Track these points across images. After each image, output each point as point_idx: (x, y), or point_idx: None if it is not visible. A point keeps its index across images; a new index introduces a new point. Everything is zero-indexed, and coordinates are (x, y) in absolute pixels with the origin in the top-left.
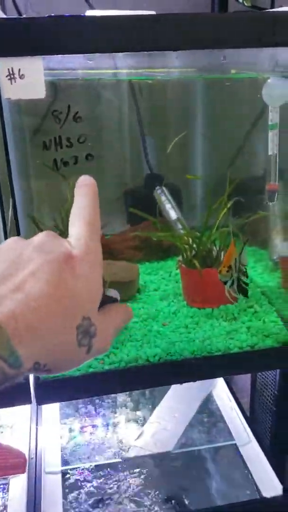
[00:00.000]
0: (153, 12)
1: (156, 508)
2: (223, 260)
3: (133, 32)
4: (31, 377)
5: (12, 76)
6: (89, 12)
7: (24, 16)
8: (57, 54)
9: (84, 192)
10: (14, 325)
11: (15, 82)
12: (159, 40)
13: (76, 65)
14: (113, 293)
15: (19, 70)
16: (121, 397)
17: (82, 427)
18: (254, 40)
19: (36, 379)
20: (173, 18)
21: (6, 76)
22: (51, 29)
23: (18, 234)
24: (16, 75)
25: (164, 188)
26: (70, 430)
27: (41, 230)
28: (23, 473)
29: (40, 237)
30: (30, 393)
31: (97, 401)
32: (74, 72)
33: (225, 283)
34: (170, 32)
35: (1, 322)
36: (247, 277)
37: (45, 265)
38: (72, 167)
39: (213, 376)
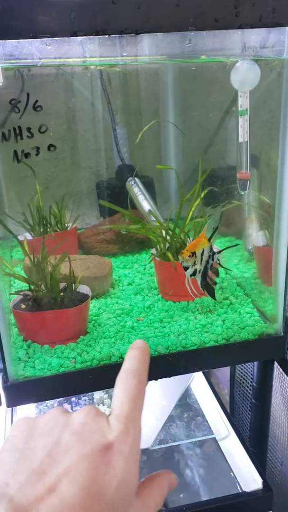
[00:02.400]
0: None
1: None
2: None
3: (92, 14)
4: None
5: None
6: None
7: None
8: (12, 39)
9: (135, 355)
10: None
11: None
12: (119, 23)
13: (35, 51)
14: (84, 289)
15: None
16: (98, 394)
17: None
18: (215, 22)
19: (5, 380)
20: None
21: None
22: (6, 12)
23: None
24: None
25: (136, 179)
26: None
27: (7, 229)
28: None
29: (80, 417)
30: None
31: (73, 399)
32: (32, 59)
33: (186, 269)
34: (129, 13)
35: None
36: (217, 275)
37: (80, 462)
38: (43, 157)
39: (189, 371)
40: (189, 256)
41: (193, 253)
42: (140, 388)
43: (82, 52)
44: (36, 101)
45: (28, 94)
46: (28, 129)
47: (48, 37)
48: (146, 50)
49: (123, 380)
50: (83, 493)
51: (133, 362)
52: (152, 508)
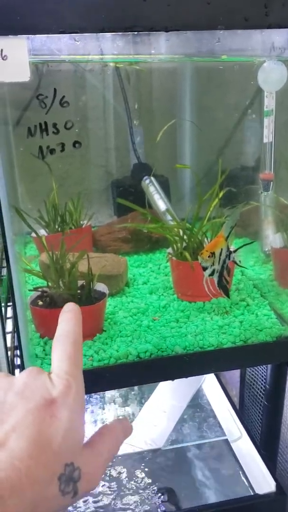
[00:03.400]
0: None
1: (146, 506)
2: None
3: (122, 11)
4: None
5: None
6: None
7: None
8: (41, 34)
9: (67, 318)
10: None
11: None
12: (149, 21)
13: (62, 47)
14: (101, 287)
15: (2, 50)
16: (110, 393)
17: None
18: (245, 21)
19: None
20: None
21: None
22: (36, 7)
23: (2, 225)
24: None
25: (152, 178)
26: None
27: (28, 224)
28: None
29: (23, 378)
30: None
31: (85, 397)
32: (59, 56)
33: (205, 269)
34: (160, 11)
35: None
36: (229, 275)
37: (26, 417)
38: (58, 154)
39: (206, 372)
40: (209, 256)
41: (213, 253)
42: (76, 346)
43: (99, 49)
44: (63, 96)
45: (55, 90)
46: (54, 125)
47: (77, 33)
48: (166, 48)
49: (59, 342)
50: (30, 445)
51: (66, 324)
52: (104, 454)
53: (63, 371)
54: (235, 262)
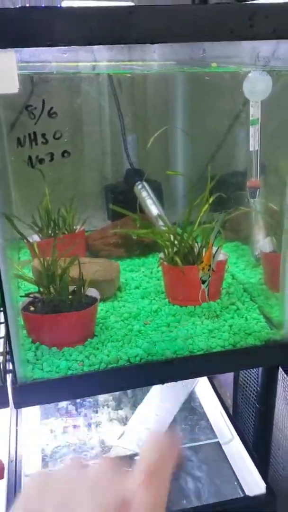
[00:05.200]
0: (131, 3)
1: None
2: (204, 258)
3: (109, 23)
4: (8, 380)
5: None
6: (66, 3)
7: None
8: (30, 47)
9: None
10: None
11: None
12: (135, 33)
13: (50, 58)
14: (93, 292)
15: None
16: (103, 397)
17: (63, 427)
18: (231, 33)
19: (14, 382)
20: (150, 9)
21: None
22: (25, 21)
23: None
24: None
25: (145, 184)
26: (51, 431)
27: (18, 231)
28: (1, 479)
29: (97, 469)
30: (7, 396)
31: (78, 400)
32: (48, 65)
33: (203, 282)
34: (147, 24)
35: None
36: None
37: None
38: (47, 164)
39: (195, 376)
40: (208, 270)
41: (209, 266)
42: (167, 464)
43: (92, 58)
44: (51, 107)
45: (43, 101)
46: (43, 135)
47: (65, 46)
48: (159, 57)
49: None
50: None
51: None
52: None
53: (147, 468)
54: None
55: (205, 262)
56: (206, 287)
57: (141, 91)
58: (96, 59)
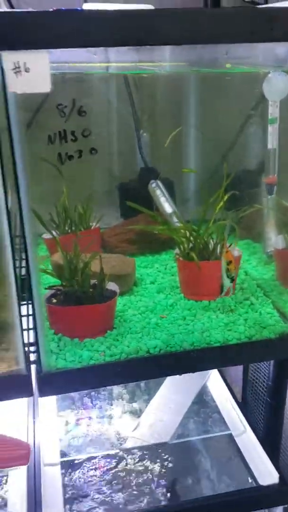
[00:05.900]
0: (151, 7)
1: (154, 497)
2: (228, 256)
3: (134, 25)
4: (33, 370)
5: (17, 70)
6: (86, 6)
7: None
8: (61, 48)
9: None
10: None
11: (20, 75)
12: (159, 34)
13: (75, 59)
14: (112, 286)
15: (25, 63)
16: (117, 389)
17: (79, 419)
18: (252, 34)
19: (38, 371)
20: (174, 12)
21: (12, 70)
22: (56, 23)
23: (22, 227)
24: (22, 69)
25: (159, 182)
26: (67, 423)
27: (46, 227)
28: (27, 464)
29: None
30: (31, 386)
31: (93, 393)
32: (70, 66)
33: (232, 279)
34: (171, 26)
35: None
36: None
37: None
38: (70, 161)
39: (213, 367)
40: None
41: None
42: None
43: (110, 59)
44: (81, 106)
45: (74, 100)
46: (73, 133)
47: (94, 47)
48: (179, 58)
49: None
50: None
51: None
52: None
53: None
54: None
55: (232, 260)
56: (231, 282)
57: (156, 90)
58: (114, 60)
